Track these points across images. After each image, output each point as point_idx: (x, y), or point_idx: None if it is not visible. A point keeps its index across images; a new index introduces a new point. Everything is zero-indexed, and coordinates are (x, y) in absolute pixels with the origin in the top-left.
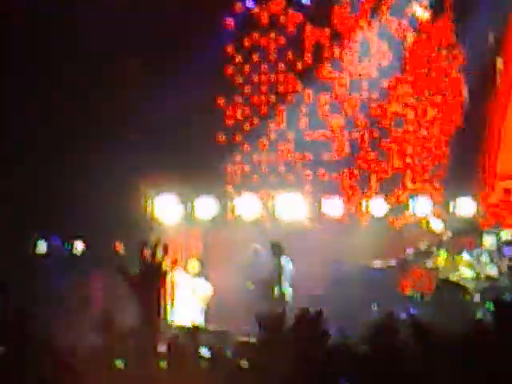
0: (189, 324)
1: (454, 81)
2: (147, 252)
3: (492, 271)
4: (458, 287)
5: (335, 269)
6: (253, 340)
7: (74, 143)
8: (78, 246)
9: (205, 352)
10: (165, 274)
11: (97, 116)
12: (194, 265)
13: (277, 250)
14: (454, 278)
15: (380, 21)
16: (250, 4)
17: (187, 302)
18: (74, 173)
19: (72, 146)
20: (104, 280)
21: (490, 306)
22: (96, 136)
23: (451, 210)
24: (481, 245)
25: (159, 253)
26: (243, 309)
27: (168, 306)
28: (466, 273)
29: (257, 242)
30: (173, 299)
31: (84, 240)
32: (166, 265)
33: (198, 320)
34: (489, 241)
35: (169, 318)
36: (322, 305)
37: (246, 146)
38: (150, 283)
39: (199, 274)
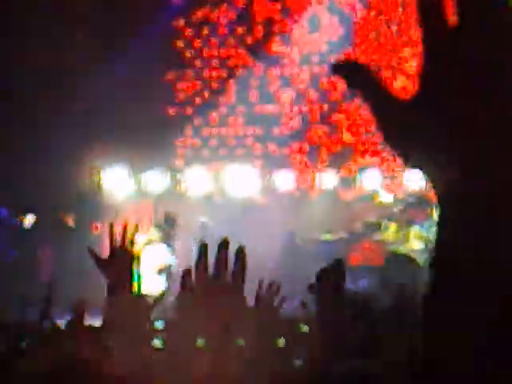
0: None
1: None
2: (116, 235)
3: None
4: (408, 259)
5: (285, 241)
6: None
7: (22, 118)
8: (28, 219)
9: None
10: (136, 257)
11: (45, 90)
12: (153, 232)
13: (171, 221)
14: (403, 250)
15: None
16: None
17: (151, 271)
18: (23, 147)
19: (21, 120)
20: (53, 253)
21: None
22: (44, 110)
23: (401, 182)
24: (431, 217)
25: (129, 235)
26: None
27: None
28: (416, 245)
29: (206, 215)
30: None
31: (34, 213)
32: (135, 247)
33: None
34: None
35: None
36: (273, 278)
37: (196, 119)
38: (120, 267)
39: (160, 241)
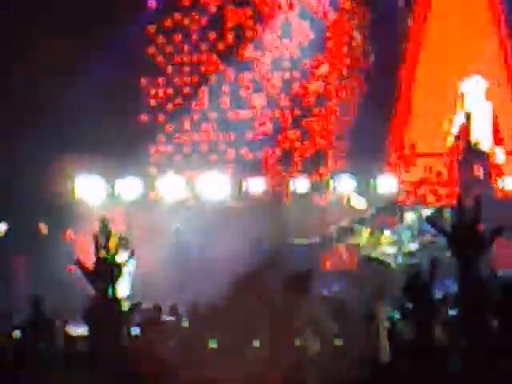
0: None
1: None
2: (100, 245)
3: (413, 247)
4: (380, 263)
5: (257, 246)
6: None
7: None
8: (1, 227)
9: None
10: (120, 265)
11: (18, 100)
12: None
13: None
14: (375, 254)
15: (301, 0)
16: None
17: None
18: None
19: None
20: (27, 261)
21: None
22: (17, 120)
23: (373, 187)
24: (402, 222)
25: (113, 245)
26: (167, 286)
27: None
28: (387, 249)
29: (179, 221)
30: None
31: (7, 221)
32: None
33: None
34: (410, 218)
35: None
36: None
37: (168, 126)
38: (106, 277)
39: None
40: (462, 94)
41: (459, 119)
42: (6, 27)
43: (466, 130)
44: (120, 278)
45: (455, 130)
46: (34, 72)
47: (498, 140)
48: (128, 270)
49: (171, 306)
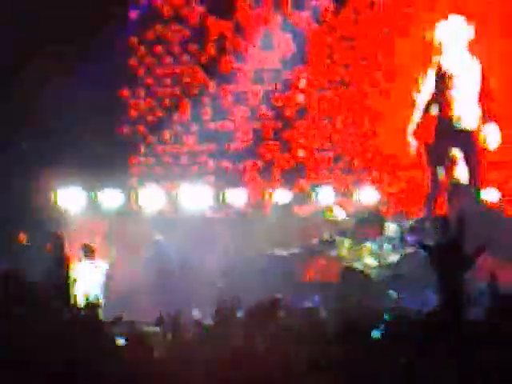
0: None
1: (357, 71)
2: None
3: (394, 259)
4: (362, 275)
5: (237, 258)
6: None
7: None
8: None
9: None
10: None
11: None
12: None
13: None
14: (357, 266)
15: (283, 13)
16: None
17: (87, 281)
18: None
19: None
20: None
21: (393, 294)
22: None
23: (355, 199)
24: (383, 233)
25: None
26: (146, 298)
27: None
28: (369, 261)
29: (160, 232)
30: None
31: None
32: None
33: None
34: (391, 229)
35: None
36: (224, 295)
37: (149, 137)
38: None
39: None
40: (439, 44)
41: (431, 79)
42: None
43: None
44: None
45: (427, 88)
46: (14, 82)
47: (488, 113)
48: (95, 279)
49: (158, 317)
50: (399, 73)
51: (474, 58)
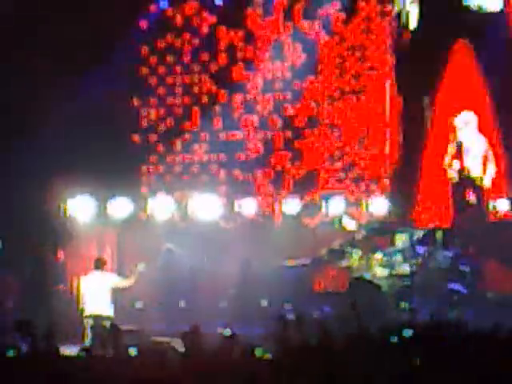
0: (99, 312)
1: (367, 81)
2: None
3: (405, 270)
4: (372, 286)
5: (247, 268)
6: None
7: None
8: None
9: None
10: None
11: (9, 119)
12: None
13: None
14: (367, 277)
15: (293, 22)
16: (163, 5)
17: (97, 293)
18: None
19: None
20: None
21: (404, 304)
22: (9, 138)
23: (365, 209)
24: (394, 244)
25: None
26: (157, 307)
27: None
28: (379, 271)
29: (170, 241)
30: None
31: None
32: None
33: (107, 312)
34: (401, 240)
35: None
36: (234, 304)
37: (160, 146)
38: None
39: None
40: (455, 128)
41: (451, 150)
42: None
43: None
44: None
45: (448, 159)
46: (27, 94)
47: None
48: (106, 288)
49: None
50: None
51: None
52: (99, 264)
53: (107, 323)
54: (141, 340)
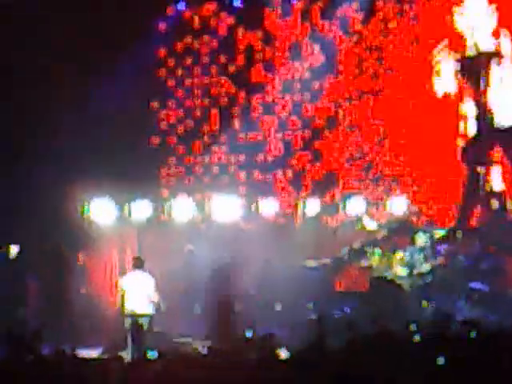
0: (137, 311)
1: (386, 80)
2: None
3: (426, 269)
4: (393, 285)
5: (268, 268)
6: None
7: (7, 149)
8: (13, 250)
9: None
10: None
11: (32, 123)
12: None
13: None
14: (388, 276)
15: (312, 23)
16: (181, 7)
17: (136, 292)
18: (8, 177)
19: (5, 152)
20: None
21: (425, 303)
22: (31, 142)
23: (386, 208)
24: (414, 243)
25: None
26: (178, 309)
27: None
28: (400, 271)
29: (191, 243)
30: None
31: (18, 243)
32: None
33: (147, 309)
34: (422, 239)
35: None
36: (256, 304)
37: (180, 148)
38: None
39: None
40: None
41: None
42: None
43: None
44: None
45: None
46: (48, 96)
47: None
48: (146, 288)
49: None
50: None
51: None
52: (139, 263)
53: (145, 321)
54: (164, 342)
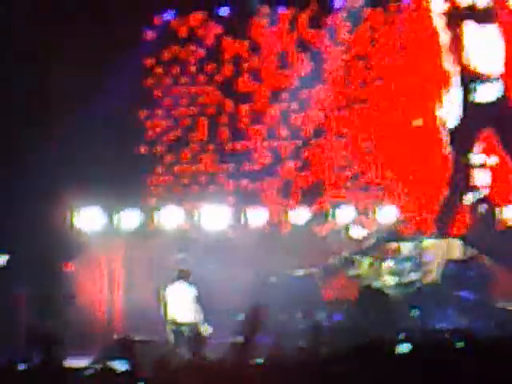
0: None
1: (374, 89)
2: None
3: (414, 278)
4: (381, 294)
5: (257, 277)
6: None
7: None
8: (1, 259)
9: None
10: None
11: (20, 130)
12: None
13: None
14: (377, 285)
15: (299, 32)
16: (168, 16)
17: (179, 301)
18: None
19: None
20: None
21: (413, 312)
22: (19, 149)
23: (374, 217)
24: (402, 252)
25: None
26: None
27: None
28: (388, 280)
29: (182, 251)
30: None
31: (6, 253)
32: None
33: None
34: (410, 248)
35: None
36: (243, 313)
37: (167, 157)
38: None
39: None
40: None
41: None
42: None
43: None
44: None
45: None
46: (35, 106)
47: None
48: (190, 297)
49: None
50: (415, 89)
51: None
52: (184, 275)
53: (188, 329)
54: (154, 351)
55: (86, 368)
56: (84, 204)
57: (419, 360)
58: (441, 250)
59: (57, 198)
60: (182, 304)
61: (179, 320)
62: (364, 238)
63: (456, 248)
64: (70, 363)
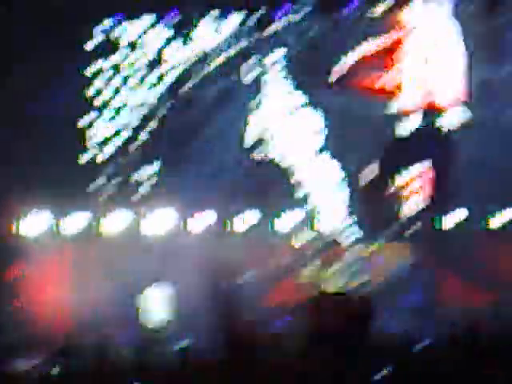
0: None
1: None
2: None
3: (360, 282)
4: (328, 299)
5: (202, 284)
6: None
7: None
8: None
9: None
10: None
11: None
12: None
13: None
14: (323, 289)
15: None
16: (112, 23)
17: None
18: None
19: None
20: None
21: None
22: None
23: (317, 224)
24: (349, 256)
25: None
26: (115, 321)
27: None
28: (335, 284)
29: (127, 256)
30: None
31: None
32: None
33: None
34: (359, 251)
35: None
36: (190, 320)
37: (113, 161)
38: None
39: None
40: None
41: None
42: None
43: None
44: None
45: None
46: None
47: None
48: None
49: None
50: None
51: None
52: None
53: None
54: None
55: (30, 370)
56: (28, 209)
57: (368, 363)
58: (389, 253)
59: (2, 203)
60: (154, 310)
61: (152, 326)
62: (312, 243)
63: (405, 251)
64: (16, 365)
